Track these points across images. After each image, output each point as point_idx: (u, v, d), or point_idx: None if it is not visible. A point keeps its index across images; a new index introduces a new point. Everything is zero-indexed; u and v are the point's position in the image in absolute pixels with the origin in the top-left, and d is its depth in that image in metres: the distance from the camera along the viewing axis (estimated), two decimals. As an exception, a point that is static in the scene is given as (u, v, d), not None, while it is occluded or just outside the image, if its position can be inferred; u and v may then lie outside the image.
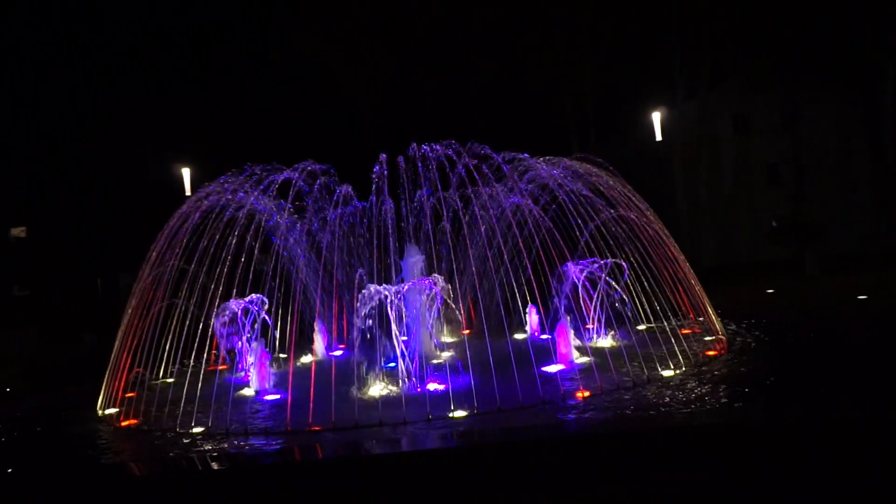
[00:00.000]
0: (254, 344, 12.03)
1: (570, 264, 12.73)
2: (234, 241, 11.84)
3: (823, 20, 32.14)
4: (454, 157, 12.91)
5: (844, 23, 31.88)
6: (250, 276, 11.84)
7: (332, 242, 13.28)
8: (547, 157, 13.28)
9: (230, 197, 12.67)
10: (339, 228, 13.55)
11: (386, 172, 13.28)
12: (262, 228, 12.58)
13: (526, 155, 13.02)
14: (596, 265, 12.84)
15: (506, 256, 12.68)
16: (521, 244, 12.12)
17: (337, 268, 13.83)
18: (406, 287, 11.21)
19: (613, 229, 12.34)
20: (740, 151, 36.56)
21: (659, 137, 25.10)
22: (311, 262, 14.94)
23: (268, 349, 12.34)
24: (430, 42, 36.12)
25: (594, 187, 12.78)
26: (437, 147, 13.07)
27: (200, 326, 11.61)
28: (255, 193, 12.98)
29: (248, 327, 13.05)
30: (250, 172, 13.13)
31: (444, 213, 14.27)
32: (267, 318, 12.89)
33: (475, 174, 12.70)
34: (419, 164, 13.36)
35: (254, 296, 12.83)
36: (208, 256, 11.91)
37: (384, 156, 13.23)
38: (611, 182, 13.01)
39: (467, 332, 14.76)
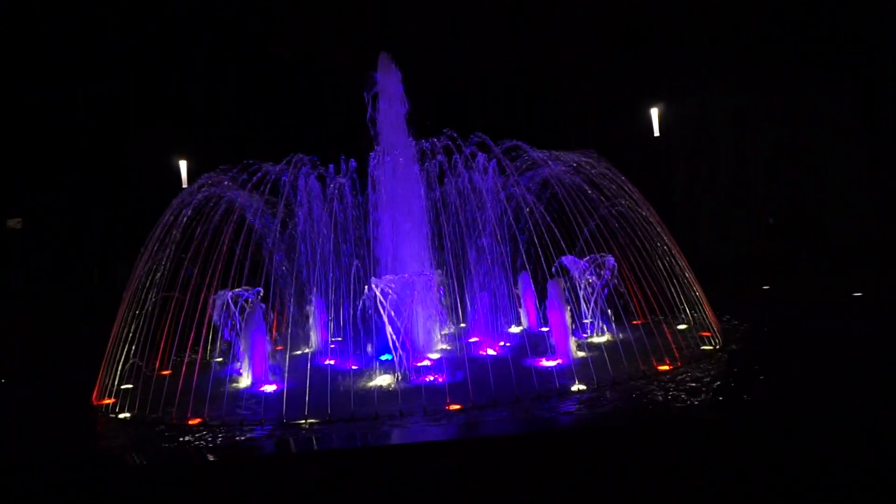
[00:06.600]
0: (248, 333, 11.98)
1: (568, 257, 12.73)
2: (228, 234, 11.84)
3: (824, 14, 32.14)
4: (453, 149, 12.84)
5: (845, 17, 31.87)
6: (246, 268, 11.84)
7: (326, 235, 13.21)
8: (549, 151, 13.19)
9: (221, 192, 12.59)
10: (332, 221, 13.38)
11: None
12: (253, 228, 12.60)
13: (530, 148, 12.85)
14: (594, 261, 12.86)
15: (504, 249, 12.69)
16: (518, 237, 12.13)
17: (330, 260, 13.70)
18: (400, 279, 11.22)
19: (613, 225, 12.37)
20: (738, 146, 36.58)
21: (657, 133, 25.11)
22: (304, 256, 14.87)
23: (265, 340, 12.31)
24: (428, 31, 35.94)
25: (593, 181, 12.73)
26: (437, 141, 13.01)
27: (196, 318, 11.59)
28: (246, 189, 12.93)
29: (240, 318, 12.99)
30: (241, 168, 13.03)
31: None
32: (260, 307, 12.79)
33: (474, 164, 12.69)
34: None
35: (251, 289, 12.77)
36: (203, 249, 11.90)
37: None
38: (610, 177, 12.96)
39: (463, 325, 14.78)
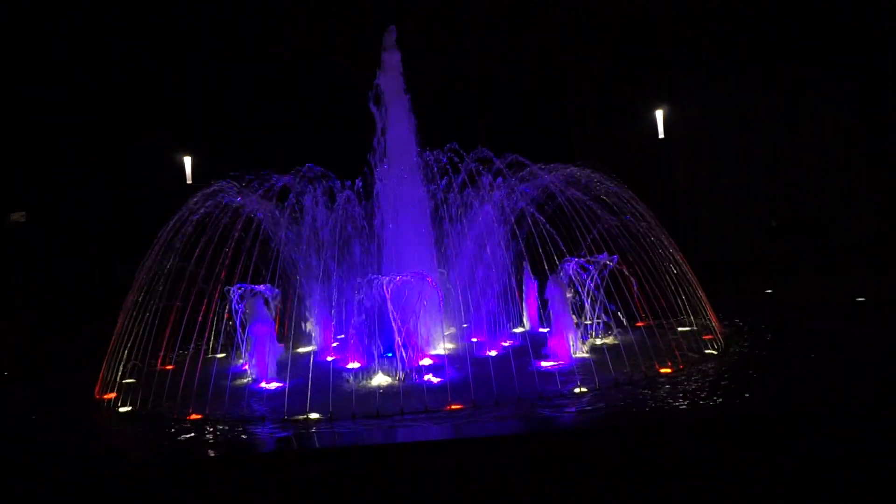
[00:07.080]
0: (252, 330, 11.99)
1: (571, 261, 12.73)
2: (235, 239, 11.91)
3: (824, 14, 32.15)
4: (456, 161, 12.97)
5: (845, 17, 31.87)
6: (251, 269, 11.89)
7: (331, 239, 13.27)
8: (549, 165, 13.28)
9: (232, 200, 12.71)
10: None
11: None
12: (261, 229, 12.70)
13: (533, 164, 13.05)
14: (596, 260, 12.85)
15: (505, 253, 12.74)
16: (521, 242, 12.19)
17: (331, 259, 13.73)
18: (402, 278, 11.25)
19: (615, 233, 12.40)
20: (739, 146, 36.54)
21: (661, 135, 25.11)
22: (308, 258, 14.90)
23: (269, 337, 12.31)
24: (428, 31, 35.91)
25: (596, 195, 12.79)
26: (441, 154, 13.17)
27: (201, 315, 11.59)
28: (258, 194, 13.06)
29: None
30: (250, 178, 13.20)
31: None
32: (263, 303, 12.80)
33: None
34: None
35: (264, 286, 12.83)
36: (210, 252, 11.96)
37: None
38: (614, 188, 13.00)
39: (465, 325, 14.78)
